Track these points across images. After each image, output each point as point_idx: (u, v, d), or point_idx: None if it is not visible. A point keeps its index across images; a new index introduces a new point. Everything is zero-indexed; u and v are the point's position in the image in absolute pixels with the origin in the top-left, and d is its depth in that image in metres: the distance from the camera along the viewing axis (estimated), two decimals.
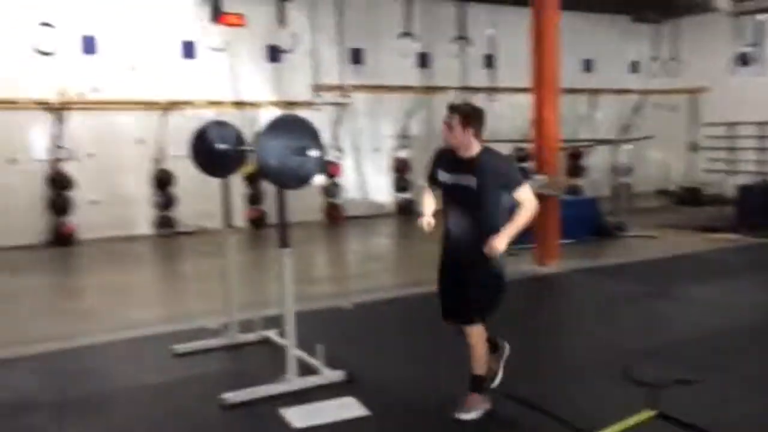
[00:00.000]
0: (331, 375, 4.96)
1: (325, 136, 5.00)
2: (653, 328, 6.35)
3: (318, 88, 12.37)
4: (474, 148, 4.20)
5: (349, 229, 13.12)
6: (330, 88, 12.73)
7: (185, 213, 12.16)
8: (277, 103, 12.73)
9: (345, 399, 4.59)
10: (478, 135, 4.20)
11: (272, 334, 5.84)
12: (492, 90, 14.23)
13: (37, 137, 11.27)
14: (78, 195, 11.42)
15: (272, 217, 11.27)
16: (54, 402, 4.80)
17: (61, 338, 6.21)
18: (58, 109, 11.05)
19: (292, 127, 4.70)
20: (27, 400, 4.86)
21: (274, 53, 12.81)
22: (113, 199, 11.77)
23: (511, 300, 7.99)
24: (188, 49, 12.21)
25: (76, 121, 11.27)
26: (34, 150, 11.28)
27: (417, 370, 5.28)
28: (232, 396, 4.66)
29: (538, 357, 5.67)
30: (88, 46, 11.46)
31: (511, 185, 4.14)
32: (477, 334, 4.29)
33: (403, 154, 14.23)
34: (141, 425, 4.53)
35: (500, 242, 4.09)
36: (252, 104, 12.43)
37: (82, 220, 11.42)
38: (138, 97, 11.71)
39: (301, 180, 4.72)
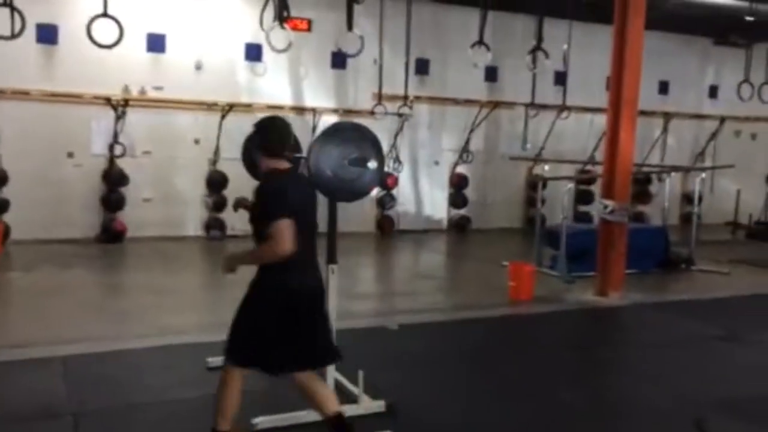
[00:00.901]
0: (370, 405, 4.62)
1: (384, 147, 4.68)
2: (724, 376, 5.81)
3: (380, 98, 12.05)
4: (262, 169, 3.74)
5: (401, 242, 12.73)
6: (392, 98, 12.40)
7: (234, 217, 11.97)
8: (337, 111, 12.50)
9: None
10: (268, 154, 3.70)
11: None
12: (562, 108, 13.63)
13: (96, 132, 11.25)
14: (131, 192, 11.35)
15: (323, 227, 10.97)
16: (76, 411, 4.56)
17: (95, 339, 6.04)
18: (119, 106, 11.02)
19: (350, 135, 4.28)
20: (49, 407, 4.65)
21: (338, 60, 12.56)
22: (165, 199, 11.65)
23: (568, 331, 7.40)
24: (252, 52, 12.06)
25: (135, 118, 11.23)
26: (92, 145, 11.25)
27: (465, 404, 4.87)
28: (262, 420, 4.39)
29: (595, 399, 5.18)
30: (156, 44, 11.40)
31: (263, 217, 3.59)
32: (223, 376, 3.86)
33: (462, 169, 13.80)
34: None
35: (230, 261, 3.77)
36: (312, 110, 12.22)
37: (133, 218, 11.34)
38: (199, 98, 11.61)
39: (355, 193, 4.37)
